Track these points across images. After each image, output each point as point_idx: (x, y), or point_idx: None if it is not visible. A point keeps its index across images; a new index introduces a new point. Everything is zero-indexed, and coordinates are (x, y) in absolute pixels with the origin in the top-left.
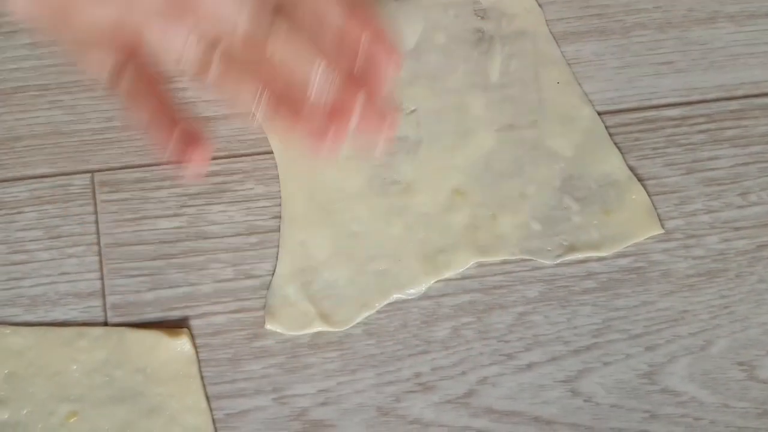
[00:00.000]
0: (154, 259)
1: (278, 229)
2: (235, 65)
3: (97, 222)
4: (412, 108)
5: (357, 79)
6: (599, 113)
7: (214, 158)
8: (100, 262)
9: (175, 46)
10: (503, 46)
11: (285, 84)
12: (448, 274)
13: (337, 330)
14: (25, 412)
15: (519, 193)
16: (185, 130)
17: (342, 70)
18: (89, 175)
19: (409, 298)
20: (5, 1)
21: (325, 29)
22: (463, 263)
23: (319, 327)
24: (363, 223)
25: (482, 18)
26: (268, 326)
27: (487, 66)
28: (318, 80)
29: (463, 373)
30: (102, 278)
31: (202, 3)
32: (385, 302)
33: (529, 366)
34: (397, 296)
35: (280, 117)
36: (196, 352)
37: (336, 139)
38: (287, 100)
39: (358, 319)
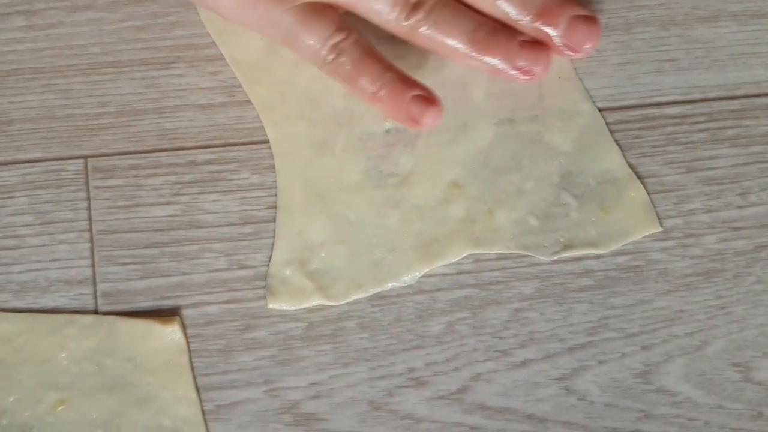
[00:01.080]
0: (146, 247)
1: (273, 220)
2: (442, 16)
3: (89, 208)
4: None
5: (554, 3)
6: (600, 109)
7: (209, 146)
8: (92, 249)
9: (384, 8)
10: None
11: (490, 25)
12: (441, 263)
13: (334, 304)
14: (12, 399)
15: (517, 189)
16: (418, 96)
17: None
18: (82, 160)
19: (404, 285)
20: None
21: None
22: (458, 254)
23: (317, 300)
24: (359, 214)
25: None
26: (271, 305)
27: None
28: (518, 15)
29: (457, 368)
30: (93, 265)
31: None
32: (380, 289)
33: (524, 363)
34: (392, 285)
35: (490, 52)
36: (187, 342)
37: (545, 66)
38: (495, 38)
39: (354, 297)
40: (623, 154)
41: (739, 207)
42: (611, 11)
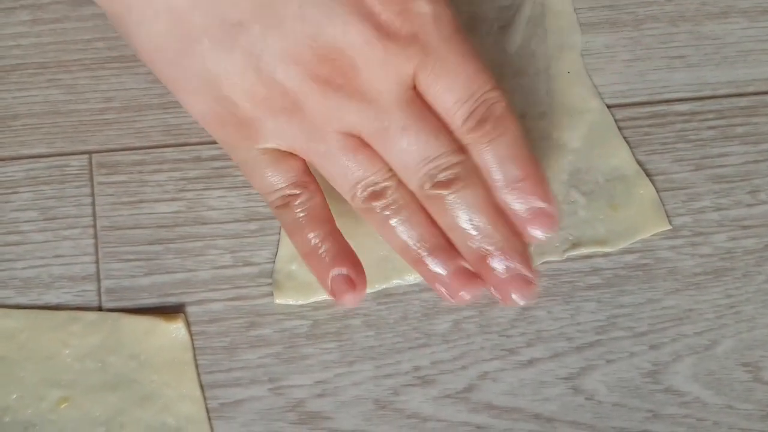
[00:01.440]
0: (150, 243)
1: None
2: (397, 214)
3: (93, 204)
4: None
5: (507, 248)
6: (609, 106)
7: (214, 142)
8: (96, 245)
9: (345, 182)
10: (528, 24)
11: (437, 240)
12: None
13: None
14: (14, 396)
15: None
16: (341, 276)
17: (496, 238)
18: (87, 156)
19: (409, 284)
20: (184, 102)
21: (488, 207)
22: None
23: (324, 295)
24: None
25: None
26: (278, 301)
27: (506, 45)
28: (469, 245)
29: (464, 367)
30: (97, 262)
31: (385, 152)
32: (385, 285)
33: (531, 362)
34: (397, 282)
35: (424, 267)
36: (192, 339)
37: (470, 298)
38: (436, 255)
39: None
40: (632, 152)
41: (749, 205)
42: (621, 7)
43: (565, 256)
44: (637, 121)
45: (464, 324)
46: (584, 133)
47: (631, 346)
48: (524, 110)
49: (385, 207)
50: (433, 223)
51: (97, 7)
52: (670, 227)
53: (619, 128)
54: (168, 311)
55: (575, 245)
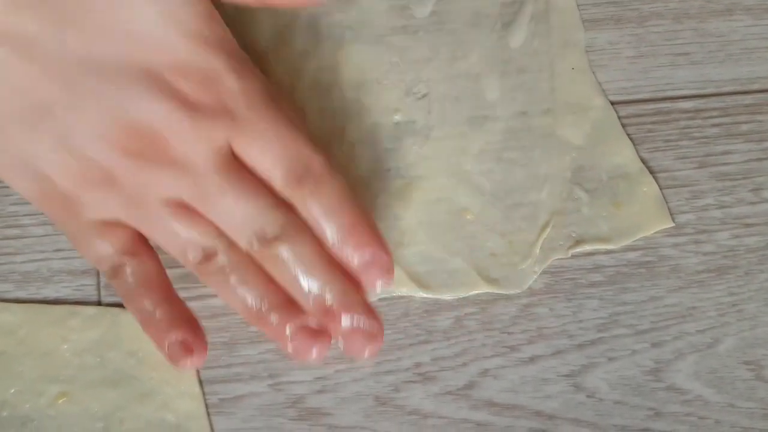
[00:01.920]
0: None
1: None
2: (232, 275)
3: None
4: (424, 92)
5: (346, 302)
6: (612, 103)
7: None
8: None
9: (175, 247)
10: (531, 21)
11: (277, 298)
12: (445, 296)
13: None
14: (12, 391)
15: (533, 205)
16: (178, 341)
17: (333, 293)
18: None
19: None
20: (7, 180)
21: (320, 259)
22: (468, 290)
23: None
24: None
25: None
26: None
27: (509, 41)
28: (308, 301)
29: (465, 364)
30: None
31: (210, 215)
32: (373, 299)
33: (532, 359)
34: (385, 295)
35: (267, 327)
36: None
37: (319, 356)
38: (278, 313)
39: None
40: (636, 149)
41: (752, 203)
42: (625, 3)
43: (570, 253)
44: (641, 118)
45: (465, 321)
46: (588, 130)
47: (633, 343)
48: (528, 108)
49: (219, 270)
50: (272, 281)
51: None
52: (673, 224)
53: (623, 125)
54: None
55: (578, 242)
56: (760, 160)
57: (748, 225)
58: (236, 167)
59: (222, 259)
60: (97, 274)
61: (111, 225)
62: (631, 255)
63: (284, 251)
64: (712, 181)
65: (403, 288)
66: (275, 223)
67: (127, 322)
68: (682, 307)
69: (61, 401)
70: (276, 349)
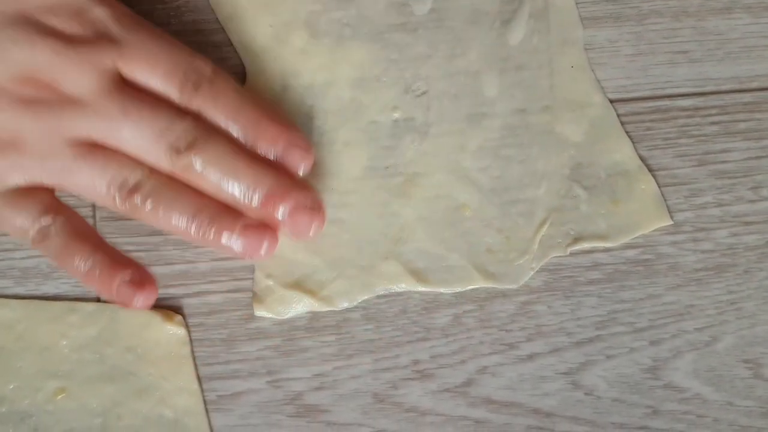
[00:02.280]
0: (150, 234)
1: None
2: (162, 199)
3: None
4: (423, 89)
5: (279, 187)
6: (611, 101)
7: None
8: None
9: (97, 190)
10: (530, 18)
11: (213, 208)
12: (443, 290)
13: (324, 309)
14: (11, 387)
15: (530, 202)
16: (125, 281)
17: (264, 184)
18: None
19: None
20: None
21: (240, 156)
22: (466, 284)
23: (307, 305)
24: (354, 213)
25: None
26: (257, 313)
27: (508, 39)
28: (243, 199)
29: (463, 361)
30: None
31: (121, 144)
32: (369, 295)
33: (531, 357)
34: (381, 291)
35: (216, 237)
36: (189, 333)
37: (270, 248)
38: (218, 221)
39: (343, 305)
40: (634, 146)
41: (751, 201)
42: (624, 1)
43: (569, 251)
44: (640, 116)
45: (464, 318)
46: (586, 127)
47: (631, 341)
48: (526, 105)
49: (146, 198)
50: (202, 194)
51: None
52: (671, 222)
53: (622, 123)
54: (166, 303)
55: (577, 240)
56: (759, 158)
57: (747, 223)
58: (129, 90)
59: (146, 187)
60: None
61: (26, 191)
62: (630, 253)
63: (203, 158)
64: (711, 179)
65: (402, 283)
66: (185, 134)
67: (125, 318)
68: (680, 305)
69: (59, 397)
70: (274, 346)
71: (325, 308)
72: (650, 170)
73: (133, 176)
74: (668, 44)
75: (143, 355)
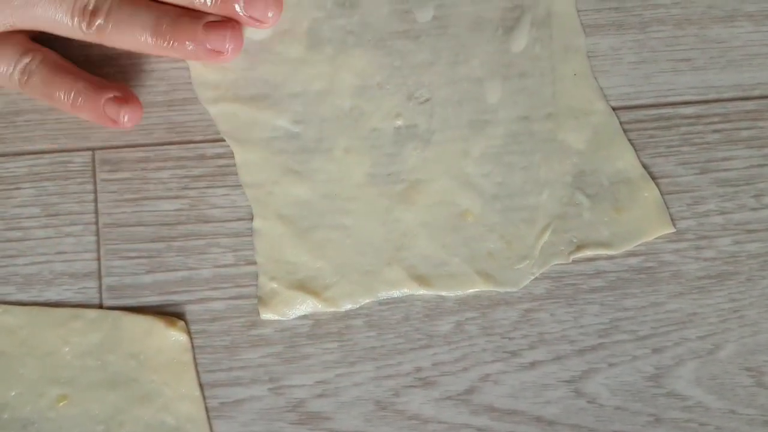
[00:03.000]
0: (153, 241)
1: None
2: (122, 16)
3: (96, 201)
4: (427, 97)
5: None
6: (614, 108)
7: (218, 140)
8: (98, 242)
9: (63, 21)
10: (532, 26)
11: (173, 13)
12: (445, 293)
13: (331, 309)
14: (13, 393)
15: (532, 208)
16: (110, 99)
17: None
18: (90, 152)
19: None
20: None
21: None
22: (467, 287)
23: (311, 306)
24: (357, 219)
25: None
26: (263, 316)
27: (511, 46)
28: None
29: (465, 369)
30: (99, 259)
31: None
32: (371, 299)
33: (533, 364)
34: (382, 296)
35: (177, 40)
36: (191, 340)
37: (234, 41)
38: (179, 24)
39: (346, 307)
40: (637, 154)
41: (754, 209)
42: (627, 9)
43: (571, 259)
44: (643, 123)
45: (466, 325)
46: (589, 135)
47: (633, 349)
48: (529, 112)
49: (108, 16)
50: (160, 4)
51: None
52: (674, 230)
53: (625, 131)
54: (169, 310)
55: (579, 248)
56: (761, 166)
57: (749, 231)
58: None
59: (105, 6)
60: (99, 277)
61: (3, 38)
62: (632, 261)
63: None
64: (714, 187)
65: (405, 288)
66: None
67: (128, 325)
68: (682, 313)
69: (61, 404)
70: (277, 353)
71: (328, 309)
72: (653, 178)
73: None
74: (671, 52)
75: (145, 362)
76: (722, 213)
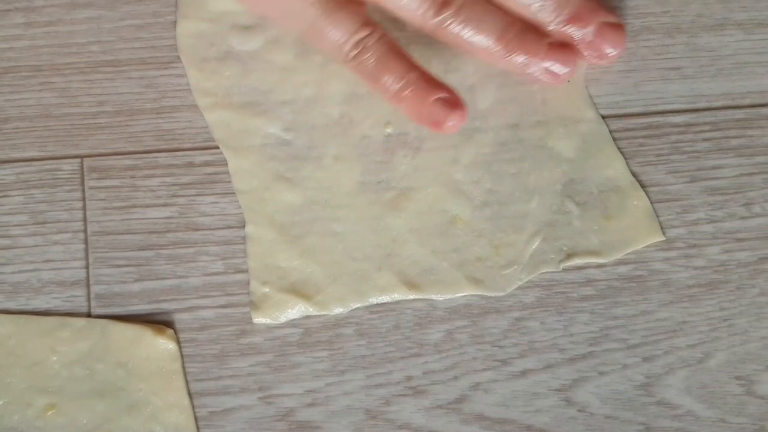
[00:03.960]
0: (142, 249)
1: None
2: (472, 16)
3: (84, 209)
4: None
5: (586, 8)
6: (604, 117)
7: (207, 148)
8: (86, 250)
9: (413, 3)
10: None
11: (518, 26)
12: (434, 296)
13: (322, 313)
14: (1, 402)
15: (521, 215)
16: (440, 99)
17: (571, 3)
18: (78, 160)
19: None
20: None
21: None
22: (455, 291)
23: (303, 310)
24: (347, 225)
25: None
26: (255, 320)
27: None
28: (548, 17)
29: (456, 378)
30: (87, 267)
31: None
32: (361, 304)
33: (523, 373)
34: (374, 300)
35: (518, 53)
36: (180, 348)
37: (573, 69)
38: (523, 40)
39: (339, 309)
40: (627, 162)
41: (743, 218)
42: (617, 18)
43: (561, 267)
44: (632, 132)
45: (457, 334)
46: (579, 143)
47: (624, 358)
48: (519, 120)
49: (457, 11)
50: (507, 12)
51: (91, 11)
52: (664, 238)
53: (614, 139)
54: (158, 318)
55: (569, 256)
56: (751, 174)
57: (739, 240)
58: None
59: (458, 1)
60: (87, 285)
61: (342, 4)
62: (622, 269)
63: None
64: (703, 195)
65: (395, 293)
66: None
67: (116, 334)
68: (672, 321)
69: (49, 413)
70: (266, 362)
71: (319, 312)
72: (643, 186)
73: None
74: (661, 60)
75: (134, 371)
76: (712, 221)
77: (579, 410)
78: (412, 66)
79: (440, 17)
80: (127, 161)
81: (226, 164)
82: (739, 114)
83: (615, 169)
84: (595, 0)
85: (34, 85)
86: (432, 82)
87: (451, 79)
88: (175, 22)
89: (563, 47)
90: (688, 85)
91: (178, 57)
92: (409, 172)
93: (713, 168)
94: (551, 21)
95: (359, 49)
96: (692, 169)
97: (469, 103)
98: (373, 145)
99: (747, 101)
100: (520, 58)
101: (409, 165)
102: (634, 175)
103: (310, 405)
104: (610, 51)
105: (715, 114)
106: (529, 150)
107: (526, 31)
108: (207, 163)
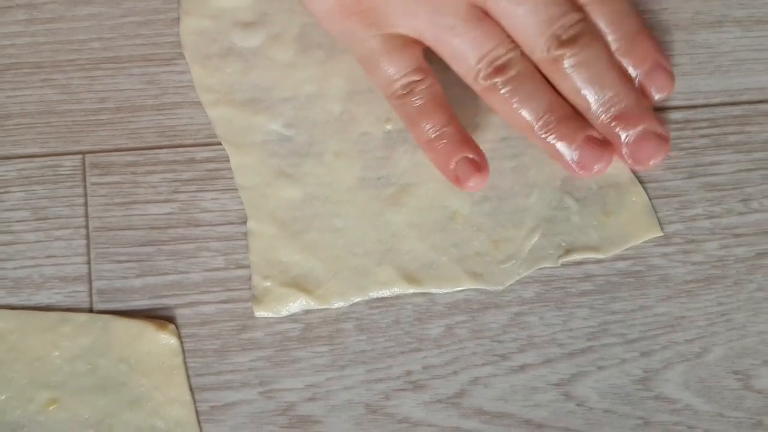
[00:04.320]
0: (143, 245)
1: None
2: (521, 89)
3: (86, 205)
4: None
5: (637, 108)
6: None
7: (208, 144)
8: (88, 246)
9: (467, 59)
10: None
11: (563, 110)
12: (434, 290)
13: (323, 307)
14: (3, 397)
15: (521, 210)
16: (466, 159)
17: (623, 101)
18: (80, 156)
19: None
20: (307, 2)
21: (612, 66)
22: (454, 285)
23: (304, 303)
24: (348, 221)
25: None
26: (257, 314)
27: None
28: (595, 110)
29: (455, 372)
30: (89, 263)
31: (510, 19)
32: (362, 298)
33: (522, 367)
34: (373, 295)
35: (555, 138)
36: (182, 343)
37: (604, 168)
38: (563, 125)
39: (340, 303)
40: None
41: (741, 213)
42: None
43: (560, 262)
44: None
45: (456, 329)
46: None
47: (622, 352)
48: None
49: (508, 81)
50: (556, 93)
51: (92, 7)
52: (662, 234)
53: None
54: (159, 314)
55: (568, 251)
56: (749, 170)
57: (737, 235)
58: None
59: (513, 71)
60: (89, 280)
61: (405, 42)
62: (621, 264)
63: (577, 57)
64: (701, 191)
65: (395, 287)
66: (573, 25)
67: (118, 329)
68: (670, 316)
69: (51, 408)
70: (267, 357)
71: (320, 306)
72: (641, 182)
73: (506, 55)
74: None
75: (135, 366)
76: (710, 217)
77: (578, 404)
78: (450, 119)
79: (491, 81)
80: (129, 157)
81: (227, 161)
82: (737, 110)
83: (614, 165)
84: (649, 103)
85: (35, 81)
86: (465, 141)
87: (451, 75)
88: (176, 19)
89: (601, 143)
90: (686, 81)
91: (180, 53)
92: (409, 168)
93: (711, 164)
94: (597, 115)
95: (407, 91)
96: (690, 165)
97: (470, 99)
98: (374, 142)
99: (745, 98)
100: (553, 141)
101: (409, 161)
102: (632, 171)
103: (311, 399)
104: (649, 161)
105: (713, 110)
106: (529, 146)
107: (570, 118)
108: (208, 159)
